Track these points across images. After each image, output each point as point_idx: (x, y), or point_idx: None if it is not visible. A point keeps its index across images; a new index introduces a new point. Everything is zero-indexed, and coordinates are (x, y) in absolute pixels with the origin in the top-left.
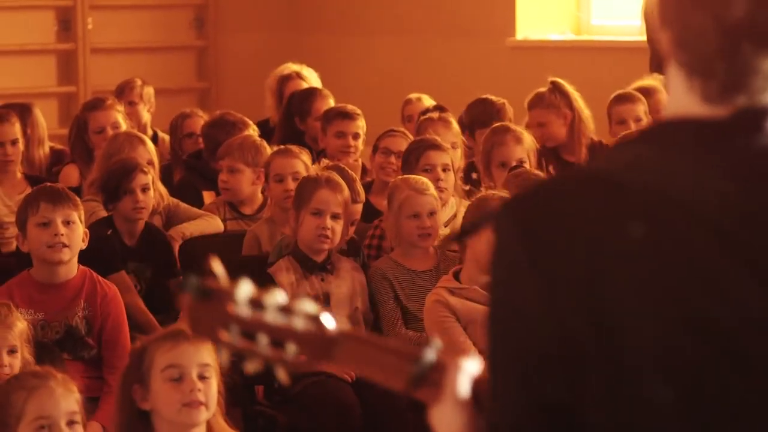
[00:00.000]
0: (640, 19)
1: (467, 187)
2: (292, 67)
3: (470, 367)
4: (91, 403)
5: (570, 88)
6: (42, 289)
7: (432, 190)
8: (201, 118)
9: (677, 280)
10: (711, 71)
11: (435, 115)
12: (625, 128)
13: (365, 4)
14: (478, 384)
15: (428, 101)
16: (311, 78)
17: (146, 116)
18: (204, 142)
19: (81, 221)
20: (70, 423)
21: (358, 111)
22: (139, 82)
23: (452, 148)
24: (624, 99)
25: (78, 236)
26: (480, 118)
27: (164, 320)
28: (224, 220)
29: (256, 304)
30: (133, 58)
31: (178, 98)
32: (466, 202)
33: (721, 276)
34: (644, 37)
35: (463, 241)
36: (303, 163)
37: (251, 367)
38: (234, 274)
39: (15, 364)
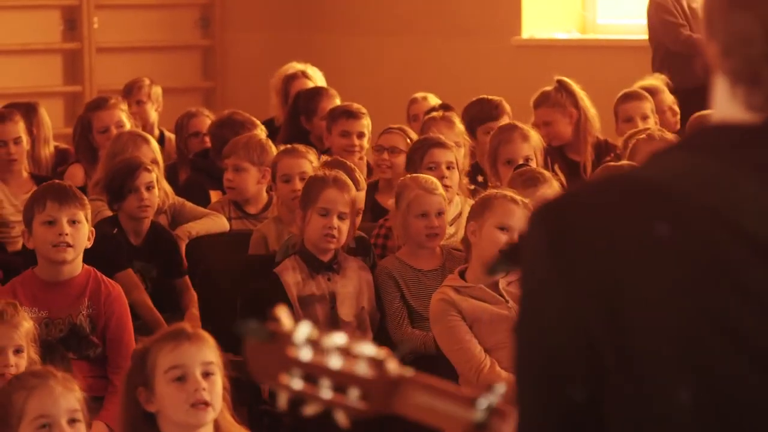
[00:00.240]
0: (645, 18)
1: (472, 187)
2: (296, 66)
3: None
4: (97, 403)
5: (576, 87)
6: (46, 287)
7: (440, 189)
8: (207, 118)
9: (701, 283)
10: (756, 78)
11: (438, 114)
12: (632, 126)
13: (371, 4)
14: None
15: (434, 100)
16: (316, 77)
17: (154, 115)
18: (211, 141)
19: (87, 220)
20: (72, 421)
21: (363, 110)
22: (147, 82)
23: (456, 146)
24: (631, 97)
25: (83, 236)
26: (478, 116)
27: (170, 318)
28: (229, 219)
29: (316, 346)
30: (139, 57)
31: (184, 97)
32: (471, 201)
33: (745, 279)
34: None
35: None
36: (310, 162)
37: (311, 410)
38: (240, 273)
39: (21, 363)
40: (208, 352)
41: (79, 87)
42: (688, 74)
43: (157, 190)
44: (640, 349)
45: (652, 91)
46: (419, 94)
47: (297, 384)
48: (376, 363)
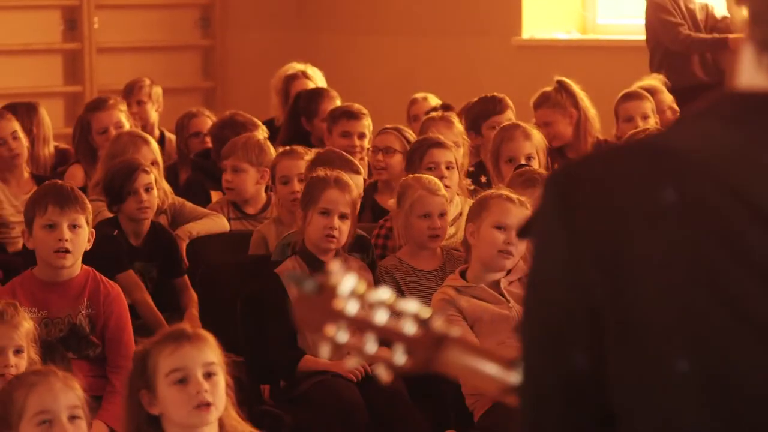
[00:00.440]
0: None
1: (472, 187)
2: (297, 66)
3: None
4: (97, 402)
5: (576, 88)
6: (45, 288)
7: (443, 190)
8: (207, 118)
9: (704, 252)
10: None
11: (438, 114)
12: (632, 126)
13: (371, 4)
14: None
15: (434, 100)
16: (316, 77)
17: (154, 116)
18: (213, 142)
19: (88, 223)
20: (72, 418)
21: (364, 110)
22: (147, 82)
23: (455, 146)
24: (632, 96)
25: (82, 240)
26: (482, 112)
27: (170, 318)
28: (228, 220)
29: (362, 300)
30: (139, 57)
31: (184, 98)
32: (471, 201)
33: (751, 251)
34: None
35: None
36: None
37: (353, 363)
38: (240, 274)
39: (21, 364)
40: (209, 353)
41: (79, 87)
42: (686, 73)
43: (156, 191)
44: (640, 316)
45: (651, 91)
46: (419, 95)
47: (342, 337)
48: (421, 321)
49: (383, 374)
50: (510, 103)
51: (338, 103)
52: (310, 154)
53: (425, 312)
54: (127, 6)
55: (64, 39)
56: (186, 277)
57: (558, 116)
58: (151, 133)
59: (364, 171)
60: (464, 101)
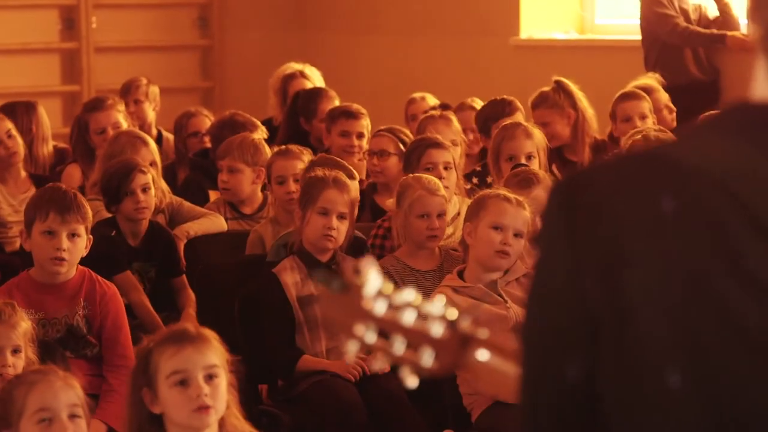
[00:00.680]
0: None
1: (468, 186)
2: (294, 66)
3: None
4: (95, 400)
5: (574, 88)
6: (41, 290)
7: (443, 191)
8: (206, 118)
9: (701, 264)
10: None
11: (436, 113)
12: (630, 126)
13: (370, 4)
14: None
15: (432, 100)
16: (314, 77)
17: (152, 115)
18: (212, 142)
19: (87, 231)
20: (72, 416)
21: (363, 110)
22: (144, 81)
23: (453, 145)
24: (629, 96)
25: (80, 249)
26: (492, 114)
27: (168, 318)
28: (225, 220)
29: (390, 301)
30: (137, 57)
31: (182, 97)
32: (469, 201)
33: (750, 265)
34: None
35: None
36: (304, 164)
37: (378, 365)
38: (237, 274)
39: (19, 364)
40: (211, 355)
41: (77, 87)
42: (681, 71)
43: (154, 190)
44: (635, 327)
45: (647, 90)
46: (417, 94)
47: (370, 337)
48: (449, 323)
49: (409, 377)
50: (520, 105)
51: (337, 102)
52: (306, 154)
53: (452, 313)
54: (125, 5)
55: (61, 38)
56: (184, 276)
57: (555, 116)
58: (149, 133)
59: (363, 170)
60: (462, 101)
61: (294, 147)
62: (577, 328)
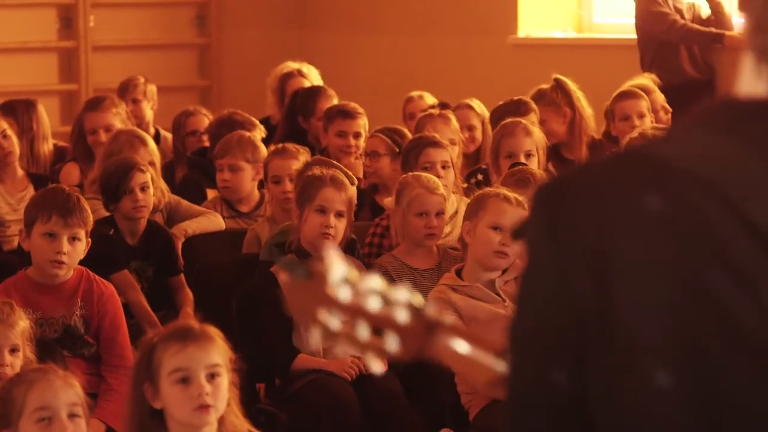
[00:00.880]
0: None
1: (466, 185)
2: (292, 65)
3: None
4: (93, 399)
5: (573, 86)
6: (39, 290)
7: (441, 189)
8: (204, 117)
9: (691, 263)
10: None
11: (435, 111)
12: (628, 125)
13: (368, 3)
14: None
15: (430, 99)
16: (312, 75)
17: (149, 114)
18: (210, 141)
19: (86, 235)
20: (72, 416)
21: (360, 110)
22: (142, 80)
23: (451, 144)
24: (627, 95)
25: (79, 252)
26: (504, 113)
27: (165, 317)
28: (222, 218)
29: (354, 287)
30: (135, 55)
31: (180, 96)
32: (467, 200)
33: (740, 263)
34: None
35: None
36: (300, 163)
37: (343, 351)
38: (234, 272)
39: (16, 363)
40: (214, 354)
41: (75, 85)
42: (677, 70)
43: (153, 189)
44: (624, 327)
45: (644, 91)
46: (415, 93)
47: (334, 324)
48: (414, 309)
49: (375, 363)
50: (534, 106)
51: (335, 101)
52: (303, 153)
53: (418, 300)
54: (123, 4)
55: (59, 37)
56: (182, 275)
57: (552, 114)
58: (147, 131)
59: (360, 170)
60: (460, 99)
61: (290, 146)
62: (566, 330)
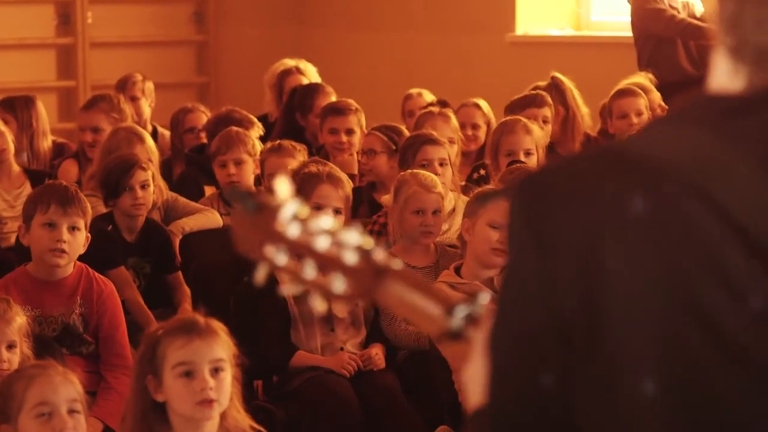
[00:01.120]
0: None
1: (462, 183)
2: (289, 62)
3: None
4: (91, 397)
5: (569, 85)
6: (38, 286)
7: (439, 188)
8: (202, 113)
9: (675, 263)
10: (761, 56)
11: (435, 109)
12: (626, 123)
13: (365, 0)
14: None
15: (429, 96)
16: (310, 73)
17: (147, 111)
18: (208, 138)
19: (86, 227)
20: (71, 412)
21: (353, 106)
22: (140, 77)
23: (450, 143)
24: (625, 93)
25: (79, 243)
26: (518, 105)
27: (163, 314)
28: (219, 215)
29: (304, 225)
30: (133, 52)
31: (178, 93)
32: (465, 198)
33: (726, 268)
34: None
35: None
36: (297, 161)
37: (288, 289)
38: (232, 270)
39: (14, 359)
40: (218, 349)
41: (72, 82)
42: (674, 68)
43: (152, 187)
44: (610, 334)
45: (641, 89)
46: (414, 90)
47: (281, 259)
48: (363, 251)
49: (319, 302)
50: (550, 101)
51: (333, 99)
52: (299, 151)
53: (368, 243)
54: (121, 1)
55: (57, 34)
56: (179, 272)
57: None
58: (144, 128)
59: (356, 166)
60: (459, 97)
61: (287, 143)
62: (549, 334)
